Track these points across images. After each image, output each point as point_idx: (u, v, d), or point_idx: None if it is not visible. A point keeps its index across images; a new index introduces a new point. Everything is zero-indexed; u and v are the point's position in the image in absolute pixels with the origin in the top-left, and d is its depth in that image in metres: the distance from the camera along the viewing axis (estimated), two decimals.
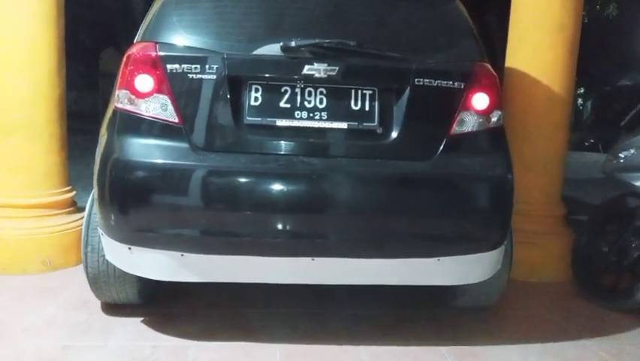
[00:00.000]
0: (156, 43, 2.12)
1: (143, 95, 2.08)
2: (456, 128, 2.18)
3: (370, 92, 2.15)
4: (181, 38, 2.12)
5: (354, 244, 2.11)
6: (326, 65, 2.09)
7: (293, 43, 2.08)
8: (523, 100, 3.24)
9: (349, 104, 2.14)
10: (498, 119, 2.26)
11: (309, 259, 2.08)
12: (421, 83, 2.15)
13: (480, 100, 2.22)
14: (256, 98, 2.11)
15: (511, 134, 3.21)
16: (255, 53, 2.11)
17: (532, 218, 3.22)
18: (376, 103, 2.15)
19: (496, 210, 2.22)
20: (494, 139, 2.28)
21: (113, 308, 2.48)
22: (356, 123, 2.13)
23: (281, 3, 2.25)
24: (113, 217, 2.07)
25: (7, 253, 2.91)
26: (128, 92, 2.10)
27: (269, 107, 2.11)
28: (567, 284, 3.16)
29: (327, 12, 2.24)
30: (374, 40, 2.21)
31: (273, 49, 2.10)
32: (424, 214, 2.14)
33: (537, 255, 3.19)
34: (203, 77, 2.07)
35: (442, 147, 2.16)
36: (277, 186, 2.05)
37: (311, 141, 2.11)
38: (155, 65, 2.08)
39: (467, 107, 2.20)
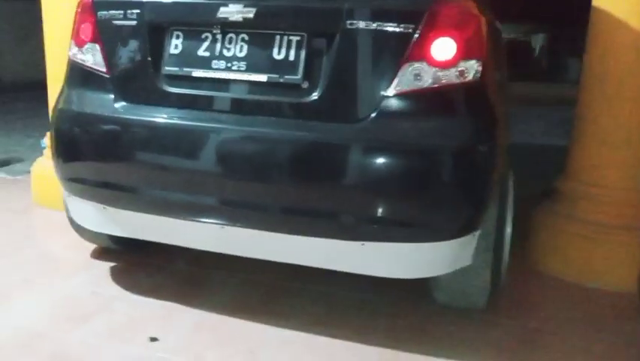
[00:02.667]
0: None
1: (81, 44, 2.08)
2: (400, 84, 1.72)
3: (297, 38, 1.80)
4: None
5: (264, 215, 1.84)
6: (241, 5, 1.81)
7: None
8: (603, 49, 2.43)
9: (272, 53, 1.83)
10: (470, 73, 1.73)
11: (219, 226, 1.89)
12: (355, 27, 1.73)
13: (439, 48, 1.71)
14: (176, 46, 1.93)
15: (586, 95, 2.52)
16: None
17: (602, 206, 2.46)
18: (303, 52, 1.79)
19: (446, 190, 1.72)
20: (460, 99, 1.75)
21: (97, 250, 2.61)
22: (277, 75, 1.81)
23: None
24: (55, 164, 2.13)
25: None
26: (73, 41, 2.12)
27: (187, 56, 1.91)
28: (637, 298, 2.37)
29: None
30: None
31: None
32: (345, 188, 1.76)
33: (602, 254, 2.43)
34: (127, 24, 1.97)
35: (378, 108, 1.72)
36: (185, 144, 1.87)
37: (227, 95, 1.87)
38: (90, 13, 2.04)
39: (418, 57, 1.71)
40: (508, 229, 2.05)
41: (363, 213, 1.75)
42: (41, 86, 3.21)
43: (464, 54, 1.72)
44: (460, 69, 1.72)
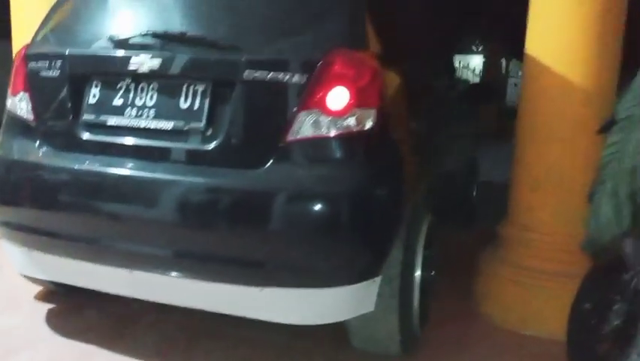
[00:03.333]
0: (29, 42, 2.20)
1: (14, 93, 2.18)
2: (295, 132, 1.76)
3: (202, 87, 1.88)
4: (44, 39, 2.17)
5: (167, 259, 1.88)
6: (149, 56, 1.90)
7: (118, 36, 1.95)
8: (533, 92, 2.45)
9: (179, 101, 1.90)
10: (365, 122, 1.77)
11: (127, 270, 1.93)
12: (251, 78, 1.79)
13: (333, 97, 1.76)
14: (94, 95, 2.02)
15: (519, 137, 2.54)
16: (92, 48, 2.03)
17: (536, 251, 2.43)
18: (207, 100, 1.86)
19: (340, 237, 1.74)
20: (355, 146, 1.79)
21: (42, 291, 2.66)
22: (183, 123, 1.88)
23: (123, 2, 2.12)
24: None
25: None
26: (10, 90, 2.23)
27: (103, 104, 2.00)
28: None
29: (168, 3, 2.03)
30: (206, 27, 1.94)
31: (107, 44, 1.99)
32: (242, 233, 1.79)
33: (536, 301, 2.39)
34: (52, 74, 2.07)
35: (273, 155, 1.77)
36: (97, 189, 1.94)
37: (137, 142, 1.93)
38: (23, 64, 2.16)
39: (311, 106, 1.76)
40: (418, 273, 2.04)
41: (258, 258, 1.77)
42: None
43: (358, 103, 1.76)
44: (354, 118, 1.76)
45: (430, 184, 2.39)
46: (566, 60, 2.34)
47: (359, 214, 1.74)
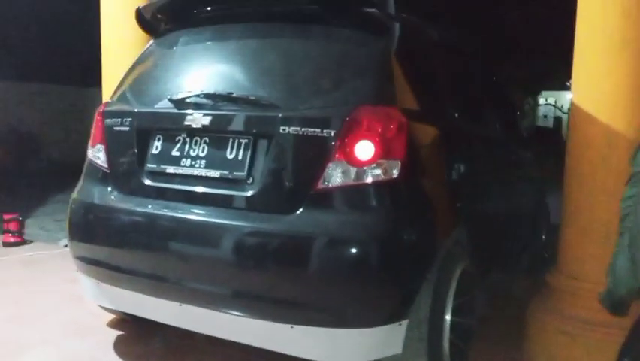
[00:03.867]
0: (108, 101, 2.55)
1: (93, 144, 2.52)
2: (323, 182, 1.92)
3: (245, 140, 2.09)
4: (119, 97, 2.50)
5: (210, 295, 2.07)
6: (201, 114, 2.15)
7: (175, 96, 2.22)
8: (579, 143, 2.43)
9: (225, 153, 2.12)
10: (390, 172, 1.89)
11: (177, 303, 2.14)
12: (286, 132, 1.98)
13: (358, 149, 1.90)
14: (157, 147, 2.30)
15: (567, 187, 2.52)
16: (155, 107, 2.32)
17: (583, 301, 2.37)
18: (249, 152, 2.07)
19: (366, 280, 1.85)
20: (381, 194, 1.90)
21: (114, 319, 2.96)
22: (227, 172, 2.10)
23: (185, 62, 2.41)
24: (68, 244, 2.54)
25: None
26: (90, 142, 2.58)
27: (164, 155, 2.27)
28: None
29: (218, 68, 2.29)
30: (249, 87, 2.15)
31: (167, 103, 2.27)
32: (276, 273, 1.95)
33: (581, 351, 2.32)
34: (123, 129, 2.38)
35: (305, 202, 1.93)
36: (155, 229, 2.19)
37: (189, 188, 2.17)
38: (101, 119, 2.50)
39: (339, 158, 1.91)
40: (448, 318, 2.07)
41: (290, 297, 1.92)
42: None
43: (384, 154, 1.89)
44: (380, 168, 1.88)
45: (473, 231, 2.42)
46: (610, 107, 2.32)
47: (385, 259, 1.84)
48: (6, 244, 4.67)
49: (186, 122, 2.18)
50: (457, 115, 2.53)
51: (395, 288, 1.87)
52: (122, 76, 2.62)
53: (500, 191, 3.04)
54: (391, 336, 1.91)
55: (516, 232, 3.54)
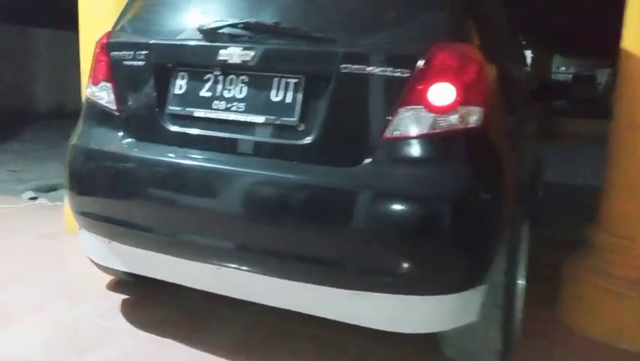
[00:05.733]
0: (110, 31, 2.16)
1: (96, 82, 2.15)
2: (393, 129, 1.66)
3: (295, 81, 1.79)
4: (127, 27, 2.13)
5: (256, 257, 1.81)
6: (240, 48, 1.82)
7: (207, 26, 1.88)
8: (631, 95, 2.28)
9: (270, 95, 1.82)
10: (470, 119, 1.65)
11: (214, 266, 1.87)
12: (348, 71, 1.70)
13: (437, 92, 1.65)
14: (180, 87, 1.96)
15: (614, 143, 2.37)
16: (179, 38, 1.97)
17: (632, 260, 2.27)
18: (300, 94, 1.78)
19: (443, 242, 1.63)
20: (459, 146, 1.67)
21: (112, 281, 2.65)
22: (274, 117, 1.80)
23: None
24: (67, 197, 2.20)
25: None
26: (90, 79, 2.20)
27: (190, 96, 1.94)
28: None
29: None
30: (300, 17, 1.84)
31: (195, 34, 1.93)
32: (338, 234, 1.70)
33: (632, 312, 2.24)
34: (137, 64, 2.02)
35: (372, 153, 1.67)
36: (183, 182, 1.88)
37: (225, 135, 1.87)
38: (105, 53, 2.12)
39: (413, 102, 1.65)
40: (521, 282, 1.91)
41: (356, 261, 1.68)
42: None
43: (464, 100, 1.65)
44: (459, 115, 1.65)
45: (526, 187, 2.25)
46: None
47: (465, 218, 1.63)
48: None
49: (220, 58, 1.85)
50: (509, 59, 2.31)
51: (475, 250, 1.67)
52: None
53: (529, 144, 2.89)
54: (468, 303, 1.73)
55: (537, 188, 3.45)
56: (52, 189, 4.80)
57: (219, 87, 1.90)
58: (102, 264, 2.25)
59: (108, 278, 2.65)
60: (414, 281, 1.66)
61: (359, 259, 1.68)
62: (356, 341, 2.19)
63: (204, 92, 1.92)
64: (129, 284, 2.61)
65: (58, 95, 10.52)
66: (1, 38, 9.75)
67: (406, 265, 1.65)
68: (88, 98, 2.19)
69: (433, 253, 1.64)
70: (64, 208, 3.55)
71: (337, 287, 1.72)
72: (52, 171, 5.52)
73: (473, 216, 1.66)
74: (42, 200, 4.34)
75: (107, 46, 2.10)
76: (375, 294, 1.69)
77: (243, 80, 1.87)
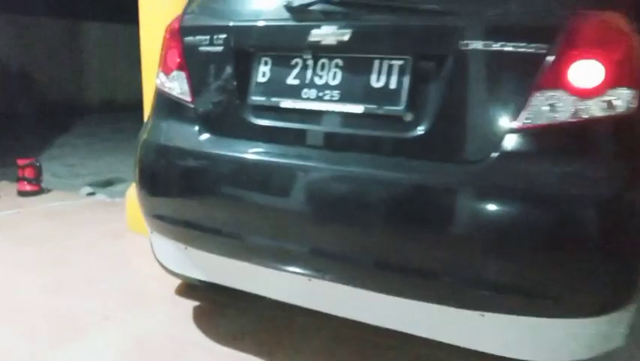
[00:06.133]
0: (182, 15, 1.95)
1: (168, 71, 1.95)
2: (529, 117, 1.38)
3: (400, 62, 1.53)
4: (201, 9, 1.92)
5: (358, 269, 1.57)
6: (335, 27, 1.58)
7: (296, 2, 1.63)
8: None
9: (369, 80, 1.57)
10: (621, 105, 1.36)
11: (306, 278, 1.65)
12: (471, 48, 1.42)
13: (581, 72, 1.36)
14: (264, 74, 1.73)
15: None
16: (261, 19, 1.74)
17: None
18: (407, 78, 1.52)
19: (588, 253, 1.35)
20: (608, 136, 1.38)
21: (181, 285, 2.48)
22: (375, 106, 1.55)
23: None
24: (138, 199, 2.01)
25: None
26: (161, 68, 2.00)
27: (276, 84, 1.71)
28: None
29: None
30: None
31: (280, 14, 1.69)
32: (458, 243, 1.43)
33: None
34: (214, 50, 1.80)
35: (500, 146, 1.40)
36: (270, 183, 1.65)
37: (318, 128, 1.63)
38: (177, 39, 1.91)
39: (554, 84, 1.37)
40: None
41: (480, 276, 1.42)
42: None
43: (614, 81, 1.36)
44: (607, 99, 1.36)
45: None
46: None
47: (616, 224, 1.35)
48: (22, 193, 4.11)
49: (311, 39, 1.61)
50: None
51: (628, 261, 1.38)
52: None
53: None
54: (614, 326, 1.44)
55: None
56: (109, 183, 4.71)
57: (309, 73, 1.66)
58: (177, 271, 2.06)
59: (177, 282, 2.48)
60: (553, 301, 1.39)
61: (485, 272, 1.41)
62: (453, 358, 1.93)
63: (292, 80, 1.68)
64: (200, 290, 2.42)
65: (109, 88, 10.58)
66: (51, 33, 9.83)
67: (543, 281, 1.38)
68: (158, 90, 1.99)
69: (577, 266, 1.36)
70: (125, 205, 3.42)
71: (459, 307, 1.46)
72: (107, 165, 5.46)
73: (626, 222, 1.36)
74: (100, 196, 4.24)
75: (180, 31, 1.89)
76: (505, 316, 1.43)
77: (336, 63, 1.62)
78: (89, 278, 2.59)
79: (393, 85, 1.54)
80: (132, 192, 3.30)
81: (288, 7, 1.65)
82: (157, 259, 2.12)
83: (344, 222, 1.55)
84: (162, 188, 1.91)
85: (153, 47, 2.91)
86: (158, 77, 2.01)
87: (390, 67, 1.55)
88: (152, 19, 3.04)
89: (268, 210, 1.67)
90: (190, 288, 2.45)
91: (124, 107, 9.77)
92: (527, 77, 1.39)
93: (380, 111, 1.54)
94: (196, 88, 1.85)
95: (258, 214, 1.68)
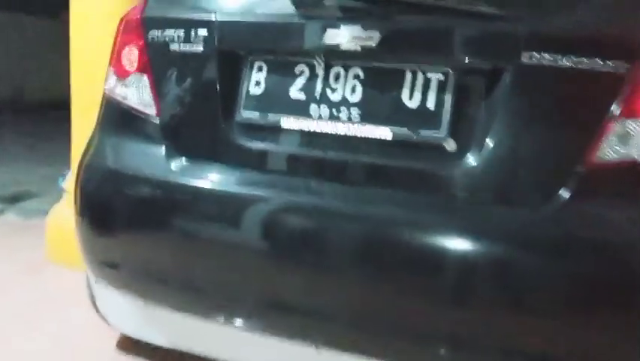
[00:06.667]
0: (145, 1, 1.54)
1: (123, 74, 1.52)
2: (606, 152, 1.12)
3: (439, 76, 1.23)
4: None
5: (381, 338, 1.23)
6: (359, 27, 1.24)
7: None
8: None
9: (400, 96, 1.26)
10: None
11: (312, 347, 1.29)
12: (534, 62, 1.14)
13: None
14: (257, 83, 1.37)
15: None
16: (257, 14, 1.37)
17: None
18: (449, 96, 1.22)
19: None
20: None
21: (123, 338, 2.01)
22: (408, 131, 1.24)
23: None
24: (79, 238, 1.56)
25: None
26: (113, 69, 1.57)
27: (274, 97, 1.35)
28: None
29: None
30: None
31: (281, 8, 1.33)
32: (523, 311, 1.14)
33: None
34: (190, 50, 1.41)
35: (570, 187, 1.13)
36: (267, 224, 1.29)
37: (331, 157, 1.29)
38: (138, 33, 1.50)
39: (633, 114, 1.12)
40: None
41: (553, 349, 1.13)
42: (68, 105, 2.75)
43: None
44: None
45: None
46: None
47: None
48: None
49: (325, 41, 1.26)
50: None
51: None
52: None
53: None
54: None
55: None
56: (17, 199, 4.04)
57: (318, 85, 1.31)
58: (131, 334, 1.62)
59: (116, 336, 2.01)
60: None
61: (559, 348, 1.13)
62: None
63: (296, 93, 1.33)
64: (148, 345, 1.98)
65: (15, 84, 9.54)
66: None
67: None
68: (108, 97, 1.56)
69: None
70: (43, 228, 2.87)
71: None
72: (12, 176, 4.72)
73: None
74: (9, 215, 3.60)
75: (142, 22, 1.48)
76: None
77: (356, 74, 1.29)
78: (6, 336, 2.06)
79: (431, 104, 1.23)
80: (55, 215, 2.78)
81: (294, 2, 1.30)
82: (101, 315, 1.66)
83: (367, 279, 1.22)
84: (116, 227, 1.48)
85: (86, 40, 2.50)
86: (108, 81, 1.58)
87: (428, 81, 1.23)
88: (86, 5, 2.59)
89: (264, 259, 1.30)
90: (135, 343, 2.00)
91: (32, 106, 8.82)
92: (603, 101, 1.12)
93: (414, 137, 1.23)
94: (162, 97, 1.45)
95: (251, 265, 1.30)
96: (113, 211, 1.47)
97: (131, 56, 1.51)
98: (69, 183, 2.77)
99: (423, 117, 1.23)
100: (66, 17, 2.65)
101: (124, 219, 1.45)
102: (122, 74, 1.52)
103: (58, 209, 2.81)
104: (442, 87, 1.22)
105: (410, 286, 1.19)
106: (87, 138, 2.76)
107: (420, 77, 1.24)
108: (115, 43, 1.58)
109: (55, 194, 2.91)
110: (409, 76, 1.24)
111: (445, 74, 1.22)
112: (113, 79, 1.55)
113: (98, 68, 2.57)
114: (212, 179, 1.36)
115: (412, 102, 1.24)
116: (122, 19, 1.57)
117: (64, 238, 2.64)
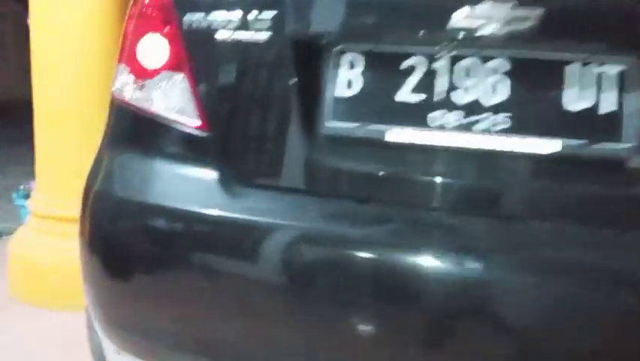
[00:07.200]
0: None
1: (144, 74, 1.12)
2: None
3: (618, 68, 0.90)
4: None
5: None
6: (508, 6, 0.90)
7: None
8: None
9: (561, 97, 0.92)
10: None
11: None
12: None
13: None
14: (349, 83, 0.99)
15: None
16: None
17: None
18: (632, 96, 0.89)
19: None
20: None
21: None
22: (579, 142, 0.90)
23: None
24: (88, 294, 1.15)
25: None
26: (124, 65, 1.16)
27: (374, 100, 0.98)
28: None
29: None
30: None
31: None
32: None
33: None
34: (248, 39, 1.02)
35: None
36: (377, 284, 0.91)
37: (467, 183, 0.95)
38: (167, 16, 1.09)
39: None
40: None
41: None
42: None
43: None
44: None
45: None
46: None
47: None
48: None
49: (453, 24, 0.91)
50: None
51: None
52: None
53: None
54: None
55: None
56: None
57: (441, 83, 0.95)
58: None
59: None
60: None
61: None
62: None
63: (406, 94, 0.96)
64: None
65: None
66: None
67: None
68: (122, 103, 1.15)
69: None
70: (3, 260, 2.40)
71: None
72: None
73: None
74: None
75: (175, 3, 1.08)
76: None
77: (496, 68, 0.94)
78: None
79: (606, 106, 0.90)
80: (18, 242, 2.32)
81: None
82: None
83: (511, 346, 0.88)
84: (144, 280, 1.07)
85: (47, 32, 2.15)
86: (116, 81, 1.16)
87: (600, 76, 0.91)
88: None
89: (379, 335, 0.93)
90: None
91: None
92: None
93: (589, 150, 0.90)
94: (209, 103, 1.05)
95: (357, 345, 0.94)
96: (141, 257, 1.07)
97: (156, 47, 1.10)
98: (34, 202, 2.34)
99: (597, 124, 0.90)
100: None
101: (164, 271, 1.04)
102: (141, 73, 1.11)
103: (21, 235, 2.35)
104: (621, 83, 0.90)
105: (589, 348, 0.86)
106: (52, 146, 2.34)
107: (590, 70, 0.91)
108: (127, 32, 1.17)
109: (10, 211, 2.47)
110: (576, 69, 0.91)
111: (629, 66, 0.89)
112: (127, 79, 1.14)
113: (62, 68, 2.19)
114: (288, 214, 0.99)
115: (577, 105, 0.91)
116: (135, 2, 1.16)
117: (32, 270, 2.24)
